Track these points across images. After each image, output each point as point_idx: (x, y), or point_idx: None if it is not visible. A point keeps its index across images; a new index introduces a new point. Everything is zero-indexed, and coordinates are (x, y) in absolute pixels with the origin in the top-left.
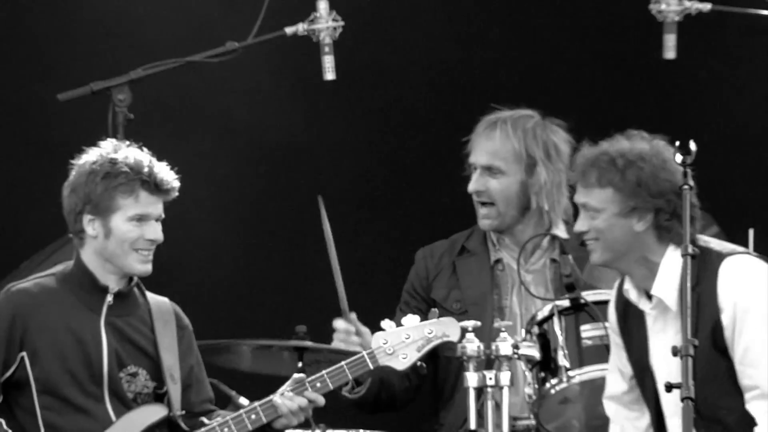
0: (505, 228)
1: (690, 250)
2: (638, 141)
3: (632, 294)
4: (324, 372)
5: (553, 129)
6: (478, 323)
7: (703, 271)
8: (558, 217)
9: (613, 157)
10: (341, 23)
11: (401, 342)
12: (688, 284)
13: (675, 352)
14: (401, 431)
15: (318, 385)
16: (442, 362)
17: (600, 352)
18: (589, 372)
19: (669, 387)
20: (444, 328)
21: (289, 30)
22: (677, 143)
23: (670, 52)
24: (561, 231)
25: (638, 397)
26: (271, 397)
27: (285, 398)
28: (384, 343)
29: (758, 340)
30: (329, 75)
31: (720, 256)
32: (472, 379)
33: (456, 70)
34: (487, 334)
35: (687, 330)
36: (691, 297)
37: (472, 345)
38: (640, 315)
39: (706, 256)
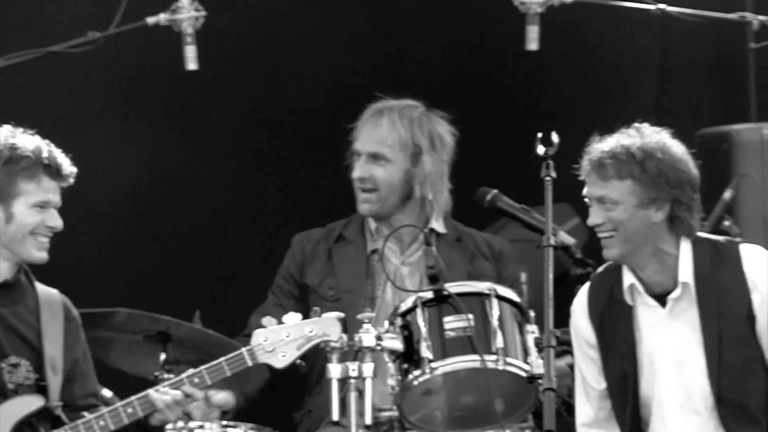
0: (385, 215)
1: (552, 241)
2: (650, 133)
3: (638, 290)
4: (202, 368)
5: (438, 120)
6: (372, 314)
7: (719, 258)
8: (439, 208)
9: (631, 150)
10: (203, 13)
11: (281, 340)
12: (550, 275)
13: (538, 343)
14: (267, 419)
15: (196, 380)
16: (310, 350)
17: (463, 344)
18: (452, 363)
19: (531, 378)
20: (324, 328)
21: (150, 20)
22: (539, 135)
23: (532, 44)
24: (439, 225)
25: (609, 413)
26: (148, 391)
27: (161, 392)
28: (264, 341)
29: None
30: (191, 65)
31: (734, 243)
32: (335, 370)
33: (325, 60)
34: (358, 324)
35: (549, 321)
36: (709, 284)
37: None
38: (626, 315)
39: (717, 245)
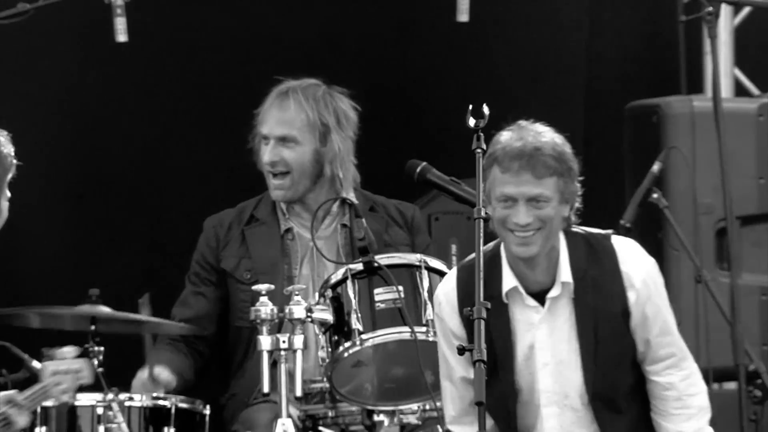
0: (298, 198)
1: (483, 213)
2: (545, 129)
3: (519, 292)
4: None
5: (340, 97)
6: (272, 286)
7: (594, 254)
8: (349, 184)
9: (552, 146)
10: None
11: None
12: (481, 247)
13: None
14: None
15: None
16: (232, 331)
17: (393, 316)
18: (382, 335)
19: (462, 350)
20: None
21: None
22: (470, 107)
23: (463, 15)
24: (352, 196)
25: (469, 405)
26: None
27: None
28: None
29: (666, 309)
30: (121, 37)
31: (606, 238)
32: (265, 342)
33: (247, 35)
34: (277, 303)
35: (480, 293)
36: (585, 281)
37: (266, 308)
38: (502, 313)
39: (590, 239)
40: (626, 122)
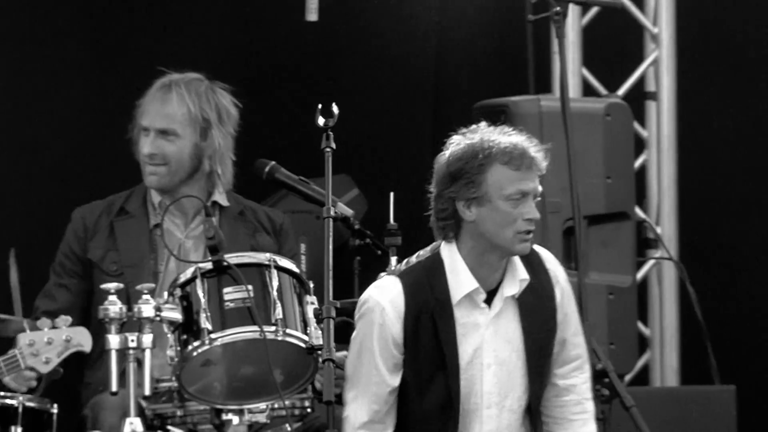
0: (172, 188)
1: (332, 212)
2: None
3: (480, 292)
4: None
5: (222, 93)
6: (121, 285)
7: (526, 258)
8: (226, 181)
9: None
10: None
11: (45, 344)
12: (330, 247)
13: (317, 314)
14: (53, 392)
15: None
16: (92, 322)
17: (242, 315)
18: (231, 334)
19: (311, 349)
20: (80, 338)
21: None
22: (320, 106)
23: (312, 15)
24: (222, 198)
25: (390, 409)
26: None
27: None
28: (30, 344)
29: (575, 309)
30: None
31: None
32: (114, 341)
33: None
34: (140, 297)
35: (329, 292)
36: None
37: (114, 307)
38: (448, 315)
39: None
40: (475, 121)
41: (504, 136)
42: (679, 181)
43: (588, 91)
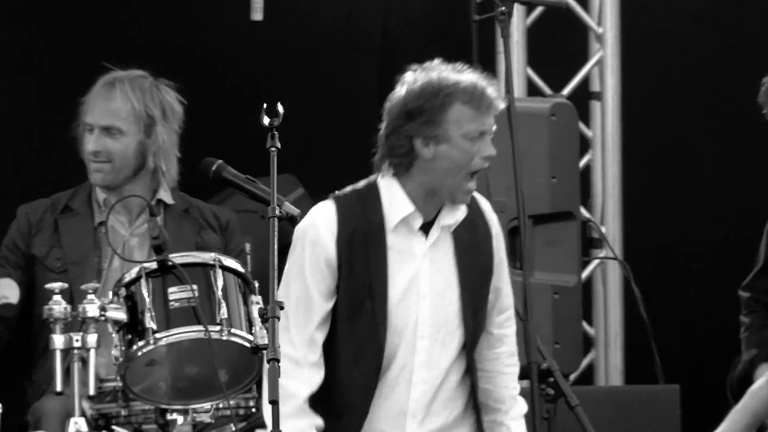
0: (117, 185)
1: (277, 212)
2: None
3: (413, 219)
4: None
5: (167, 90)
6: (65, 285)
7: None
8: (170, 178)
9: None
10: None
11: None
12: (275, 246)
13: (262, 314)
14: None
15: None
16: (36, 319)
17: (187, 314)
18: (176, 334)
19: (255, 349)
20: (5, 290)
21: None
22: (265, 105)
23: (257, 14)
24: (167, 196)
25: (319, 338)
26: None
27: None
28: None
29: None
30: None
31: None
32: (58, 341)
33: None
34: (84, 295)
35: (274, 292)
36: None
37: (59, 307)
38: (381, 241)
39: None
40: None
41: (462, 75)
42: (623, 180)
43: (533, 91)
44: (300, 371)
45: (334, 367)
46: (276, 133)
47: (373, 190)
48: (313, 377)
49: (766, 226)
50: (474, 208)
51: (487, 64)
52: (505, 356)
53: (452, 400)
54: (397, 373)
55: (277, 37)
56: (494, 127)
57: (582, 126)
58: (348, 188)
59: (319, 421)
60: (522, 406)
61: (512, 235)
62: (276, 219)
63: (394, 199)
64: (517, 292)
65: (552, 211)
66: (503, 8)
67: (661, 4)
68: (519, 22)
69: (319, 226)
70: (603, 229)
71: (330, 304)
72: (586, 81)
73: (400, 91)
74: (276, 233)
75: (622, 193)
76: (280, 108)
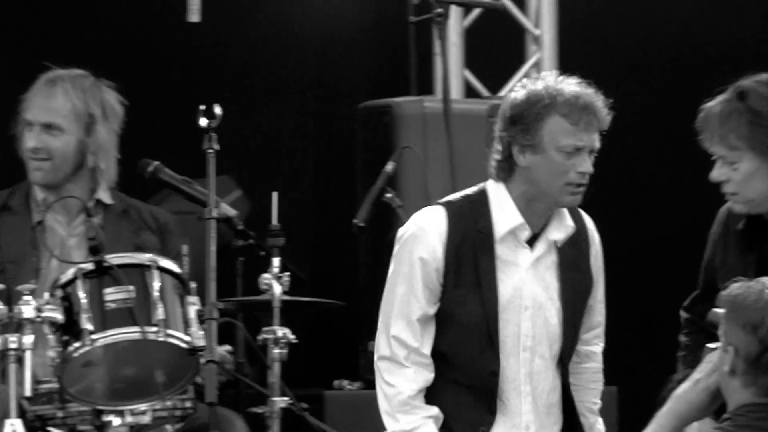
0: (57, 184)
1: (215, 213)
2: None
3: (526, 228)
4: None
5: (107, 89)
6: (33, 286)
7: (572, 215)
8: (109, 178)
9: (602, 101)
10: None
11: None
12: (213, 247)
13: (199, 315)
14: None
15: None
16: None
17: (123, 315)
18: (113, 335)
19: (192, 350)
20: None
21: None
22: (202, 107)
23: (194, 15)
24: (106, 196)
25: (425, 342)
26: None
27: None
28: None
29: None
30: None
31: None
32: None
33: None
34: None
35: (211, 293)
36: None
37: None
38: (490, 249)
39: None
40: (358, 122)
41: (569, 86)
42: None
43: (470, 92)
44: (403, 371)
45: (444, 375)
46: (213, 134)
47: (483, 196)
48: (420, 375)
49: (705, 253)
50: (578, 222)
51: (424, 65)
52: (591, 372)
53: (557, 413)
54: (513, 384)
55: (215, 39)
56: (597, 144)
57: None
58: (458, 194)
59: (434, 411)
60: (601, 423)
61: None
62: (213, 220)
63: (504, 209)
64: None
65: None
66: (440, 10)
67: (598, 6)
68: (456, 23)
69: (428, 230)
70: None
71: (434, 309)
72: None
73: (510, 95)
74: (213, 235)
75: None
76: (218, 110)
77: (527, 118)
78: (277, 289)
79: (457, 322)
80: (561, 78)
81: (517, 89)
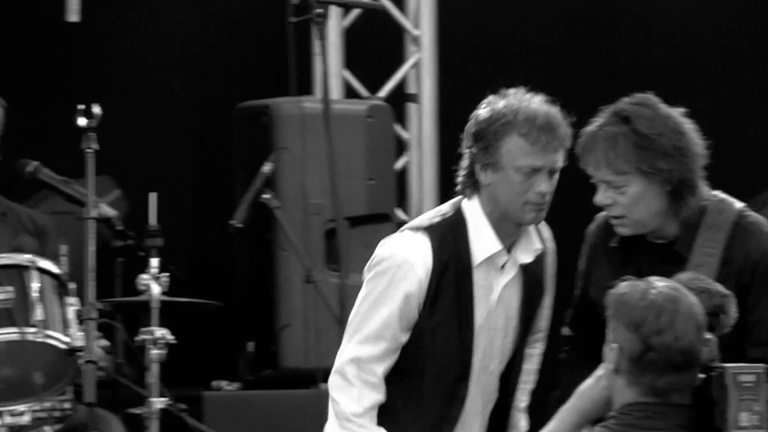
0: None
1: (94, 213)
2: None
3: (504, 254)
4: None
5: None
6: None
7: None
8: None
9: (563, 118)
10: None
11: None
12: (92, 248)
13: (79, 315)
14: None
15: None
16: None
17: (2, 316)
18: None
19: (71, 351)
20: None
21: None
22: (81, 107)
23: (73, 15)
24: None
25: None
26: None
27: None
28: None
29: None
30: None
31: None
32: None
33: None
34: None
35: (90, 293)
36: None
37: None
38: (468, 276)
39: None
40: (236, 123)
41: (530, 105)
42: (439, 182)
43: (350, 93)
44: (351, 390)
45: (409, 399)
46: (92, 134)
47: (460, 219)
48: (366, 397)
49: (579, 271)
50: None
51: (303, 66)
52: (524, 373)
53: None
54: (470, 405)
55: (94, 39)
56: (559, 164)
57: (398, 128)
58: (435, 216)
59: None
60: (525, 420)
61: (329, 237)
62: (92, 220)
63: (481, 232)
64: (334, 294)
65: (368, 212)
66: (320, 10)
67: (477, 6)
68: (335, 23)
69: (414, 264)
70: None
71: (406, 337)
72: (402, 83)
73: (477, 111)
74: (92, 235)
75: (438, 195)
76: (97, 109)
77: (488, 136)
78: (156, 289)
79: (430, 350)
80: (525, 95)
81: (483, 105)
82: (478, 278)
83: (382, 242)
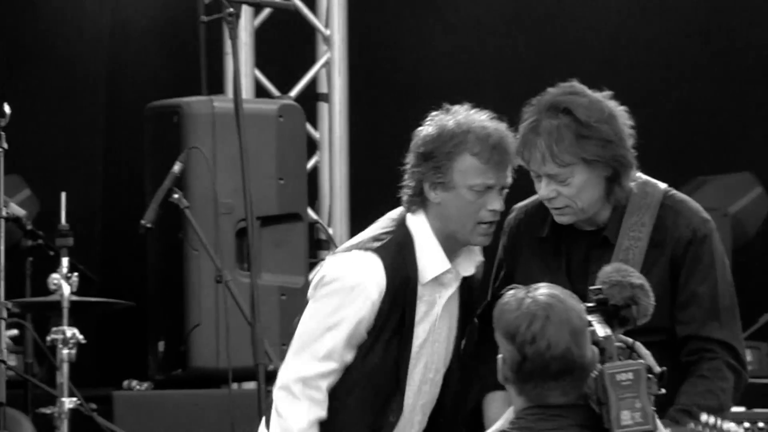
0: None
1: (4, 213)
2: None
3: (451, 272)
4: None
5: None
6: None
7: None
8: None
9: (512, 136)
10: None
11: None
12: (1, 247)
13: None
14: None
15: None
16: None
17: None
18: None
19: None
20: None
21: None
22: None
23: None
24: None
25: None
26: None
27: None
28: None
29: None
30: None
31: None
32: None
33: None
34: None
35: (0, 293)
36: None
37: None
38: (414, 293)
39: None
40: (146, 122)
41: (480, 123)
42: (351, 182)
43: (261, 92)
44: (297, 404)
45: (347, 413)
46: (2, 133)
47: (407, 237)
48: (312, 411)
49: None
50: None
51: (214, 65)
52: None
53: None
54: (409, 417)
55: (3, 36)
56: (509, 180)
57: (309, 127)
58: (382, 233)
59: None
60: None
61: (240, 236)
62: (1, 220)
63: (429, 250)
64: (244, 294)
65: (279, 212)
66: (231, 9)
67: (387, 6)
68: (247, 23)
69: (370, 289)
70: (330, 231)
71: (351, 355)
72: (313, 82)
73: (423, 130)
74: (1, 234)
75: (349, 194)
76: (6, 108)
77: (438, 155)
78: (66, 289)
79: (371, 366)
80: (472, 112)
81: (428, 122)
82: (423, 294)
83: (330, 259)
